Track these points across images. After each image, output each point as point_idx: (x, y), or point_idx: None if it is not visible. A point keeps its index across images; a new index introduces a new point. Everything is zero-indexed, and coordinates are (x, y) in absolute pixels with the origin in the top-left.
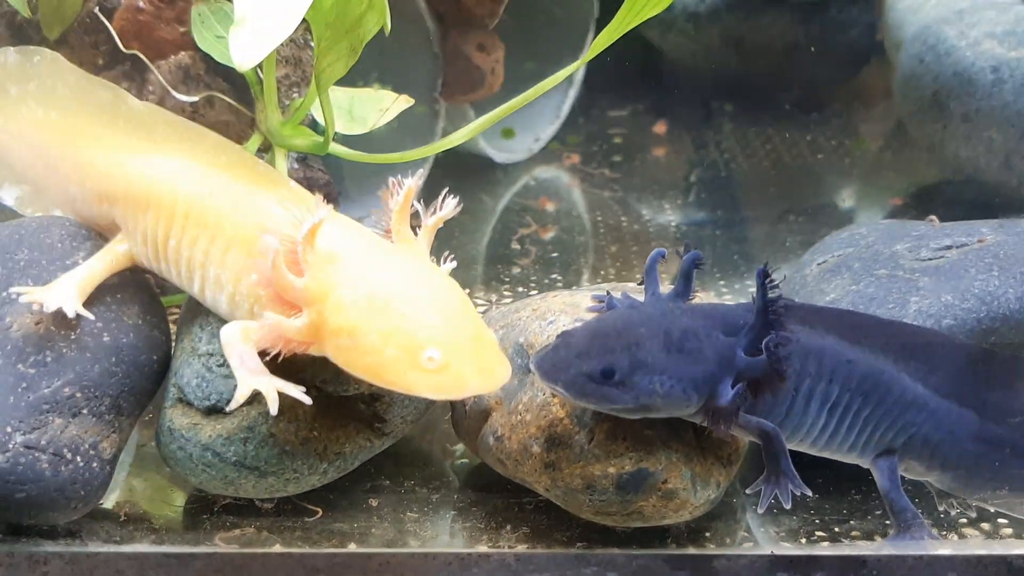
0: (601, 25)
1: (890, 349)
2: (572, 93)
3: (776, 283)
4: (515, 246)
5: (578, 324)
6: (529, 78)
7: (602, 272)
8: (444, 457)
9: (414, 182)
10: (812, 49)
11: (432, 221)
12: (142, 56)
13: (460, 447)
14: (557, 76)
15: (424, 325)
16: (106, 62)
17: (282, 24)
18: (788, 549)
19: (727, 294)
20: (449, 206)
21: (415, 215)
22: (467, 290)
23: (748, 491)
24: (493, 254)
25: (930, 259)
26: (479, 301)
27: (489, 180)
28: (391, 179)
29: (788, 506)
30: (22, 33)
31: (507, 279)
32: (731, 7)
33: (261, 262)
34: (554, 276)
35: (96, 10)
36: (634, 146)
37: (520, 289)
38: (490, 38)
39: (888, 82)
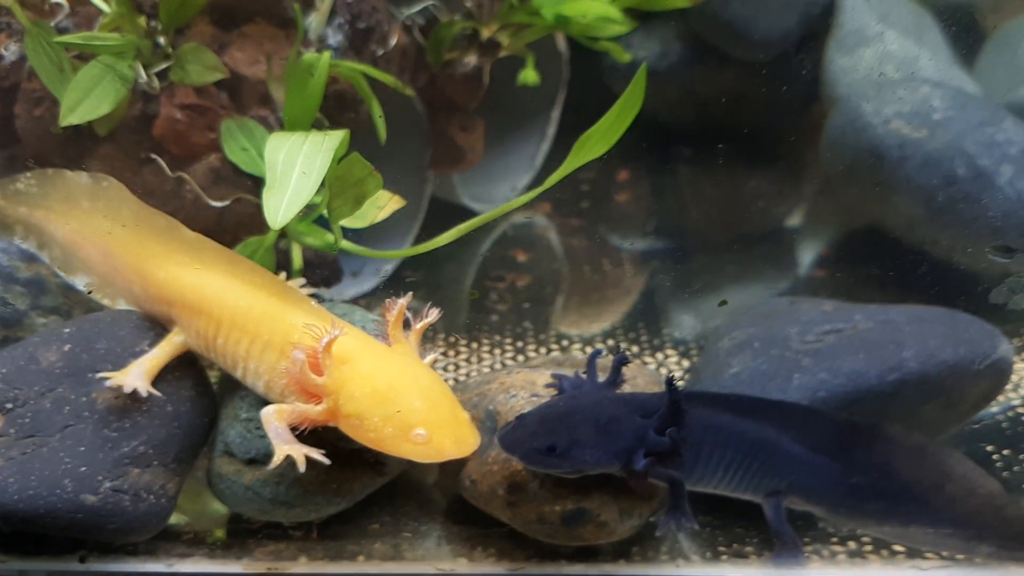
0: (571, 85)
1: (774, 420)
2: (545, 146)
3: (679, 387)
4: (493, 296)
5: (534, 400)
6: (506, 137)
7: (563, 325)
8: (430, 490)
9: (405, 301)
10: (760, 101)
11: (419, 326)
12: (186, 177)
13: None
14: (574, 162)
15: (413, 410)
16: (147, 157)
17: (304, 190)
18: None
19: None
20: (432, 315)
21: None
22: (452, 337)
23: (651, 519)
24: (474, 303)
25: (813, 342)
26: (462, 349)
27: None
28: (387, 300)
29: (680, 535)
30: (75, 129)
31: (487, 327)
32: (688, 64)
33: (291, 368)
34: (526, 325)
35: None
36: (600, 193)
37: (497, 337)
38: (471, 120)
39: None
